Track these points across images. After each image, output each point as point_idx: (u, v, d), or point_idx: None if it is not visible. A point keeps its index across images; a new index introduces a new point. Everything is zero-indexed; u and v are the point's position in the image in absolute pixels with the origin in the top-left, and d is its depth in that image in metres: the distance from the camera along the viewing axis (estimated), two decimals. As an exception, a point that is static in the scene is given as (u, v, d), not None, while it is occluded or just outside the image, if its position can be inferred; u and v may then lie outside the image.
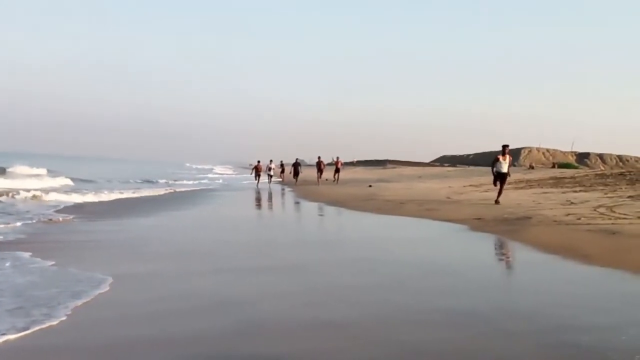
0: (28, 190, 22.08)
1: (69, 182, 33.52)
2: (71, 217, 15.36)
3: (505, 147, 19.15)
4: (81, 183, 34.19)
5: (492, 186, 20.11)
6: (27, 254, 9.12)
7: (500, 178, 19.22)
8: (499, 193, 18.99)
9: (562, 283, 7.77)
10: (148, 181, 41.30)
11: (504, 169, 19.16)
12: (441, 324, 5.69)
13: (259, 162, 39.72)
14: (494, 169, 19.52)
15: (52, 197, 21.38)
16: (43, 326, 5.38)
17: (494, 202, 18.43)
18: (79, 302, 6.22)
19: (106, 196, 24.00)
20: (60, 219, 14.92)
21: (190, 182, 42.82)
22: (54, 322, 5.52)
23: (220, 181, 49.06)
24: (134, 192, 27.16)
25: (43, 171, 46.17)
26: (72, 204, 19.77)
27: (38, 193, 21.60)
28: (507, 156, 19.23)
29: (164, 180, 42.51)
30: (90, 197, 22.67)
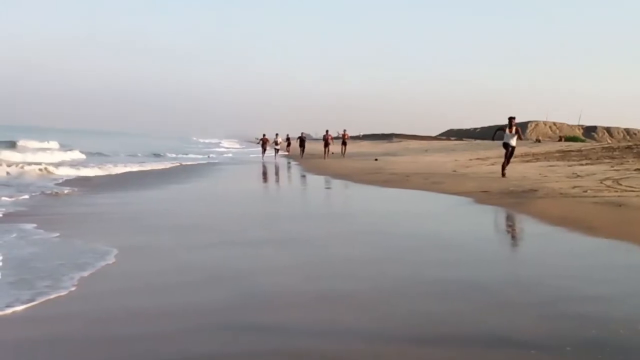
0: (39, 164, 22.20)
1: (81, 155, 33.74)
2: (77, 189, 15.42)
3: (511, 119, 18.86)
4: (93, 156, 34.37)
5: (499, 160, 20.13)
6: (31, 226, 9.17)
7: (505, 149, 18.95)
8: (504, 165, 18.69)
9: (566, 255, 7.77)
10: (156, 155, 41.40)
11: (511, 141, 18.78)
12: (444, 296, 5.71)
13: (264, 135, 39.67)
14: (496, 138, 19.87)
15: (63, 171, 21.47)
16: (51, 297, 5.42)
17: (500, 176, 18.23)
18: (85, 274, 6.25)
19: (115, 169, 24.10)
20: (66, 191, 14.97)
21: (199, 156, 42.92)
22: (63, 293, 5.56)
23: (231, 155, 49.12)
24: (141, 166, 27.24)
25: (55, 145, 46.32)
26: (80, 177, 19.89)
27: (48, 167, 21.70)
28: (515, 128, 18.88)
29: (172, 154, 42.57)
30: (98, 171, 22.73)
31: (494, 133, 20.26)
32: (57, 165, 23.24)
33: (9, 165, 20.78)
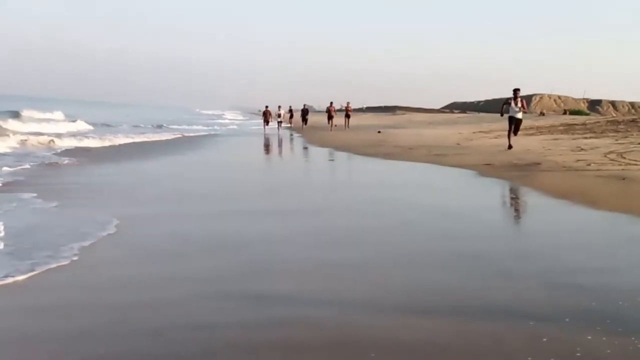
0: (43, 134, 22.20)
1: (87, 126, 33.74)
2: (77, 160, 15.43)
3: (516, 91, 18.37)
4: (98, 127, 34.37)
5: (503, 132, 19.87)
6: (31, 196, 9.20)
7: (512, 122, 18.36)
8: (509, 136, 18.21)
9: (569, 227, 7.76)
10: (159, 126, 41.27)
11: (516, 114, 18.30)
12: (447, 266, 5.72)
13: (267, 107, 39.01)
14: (503, 112, 18.96)
15: (67, 142, 21.42)
16: (51, 266, 5.43)
17: (506, 149, 17.82)
18: (86, 244, 6.26)
19: (118, 140, 24.08)
20: (66, 161, 14.97)
21: (204, 128, 42.92)
22: (64, 263, 5.57)
23: (235, 127, 49.08)
24: (145, 137, 27.20)
25: (60, 115, 46.18)
26: (81, 148, 19.87)
27: (52, 137, 21.67)
28: (520, 100, 18.34)
29: (175, 126, 42.44)
30: (101, 142, 22.71)
31: (501, 108, 19.44)
32: (61, 136, 23.23)
33: (14, 134, 20.80)
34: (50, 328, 4.12)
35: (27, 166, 13.41)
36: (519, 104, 18.32)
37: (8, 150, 17.26)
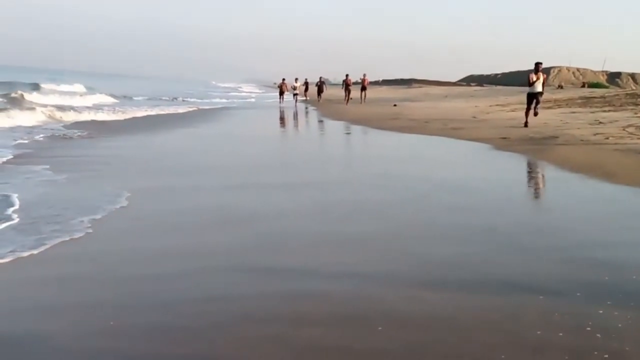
0: (63, 107, 22.31)
1: (109, 99, 33.96)
2: (87, 132, 15.48)
3: (538, 64, 17.43)
4: (120, 100, 34.52)
5: (520, 106, 19.53)
6: (42, 168, 9.26)
7: (532, 98, 17.38)
8: (527, 114, 17.20)
9: (585, 201, 7.71)
10: (176, 99, 41.32)
11: (537, 88, 17.36)
12: (460, 239, 5.70)
13: (283, 80, 38.92)
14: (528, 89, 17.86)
15: (86, 115, 21.45)
16: (65, 239, 5.45)
17: (522, 125, 16.94)
18: (98, 216, 6.28)
19: (134, 112, 24.23)
20: (79, 134, 15.05)
21: (224, 100, 43.13)
22: (77, 235, 5.59)
23: (253, 100, 49.22)
24: (161, 109, 27.31)
25: (81, 88, 46.39)
26: (96, 121, 19.92)
27: (67, 111, 21.73)
28: (540, 74, 17.42)
29: (193, 99, 42.47)
30: (115, 115, 22.78)
31: (528, 82, 17.87)
32: (84, 109, 23.41)
33: (40, 107, 20.85)
34: (64, 300, 4.17)
35: (40, 138, 13.51)
36: (541, 78, 17.40)
37: (37, 124, 17.25)
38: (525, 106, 17.64)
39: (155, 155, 12.16)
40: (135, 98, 38.48)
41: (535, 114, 17.19)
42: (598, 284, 4.33)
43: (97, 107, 26.34)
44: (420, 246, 5.50)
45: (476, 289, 4.28)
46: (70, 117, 20.56)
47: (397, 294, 4.19)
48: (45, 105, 22.66)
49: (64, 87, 45.20)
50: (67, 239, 5.48)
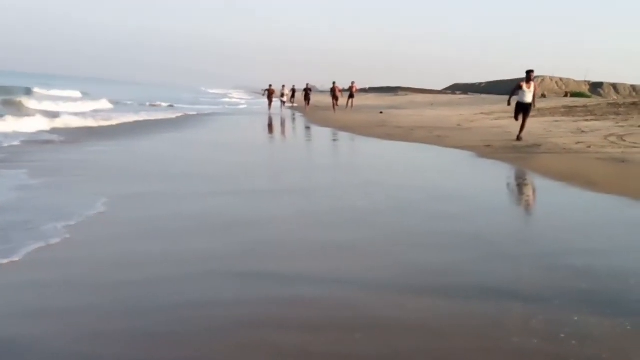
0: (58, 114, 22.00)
1: (109, 105, 34.02)
2: (63, 138, 15.32)
3: (530, 72, 15.94)
4: (119, 106, 34.49)
5: (503, 114, 19.53)
6: (20, 172, 9.18)
7: (522, 109, 16.12)
8: (522, 127, 15.87)
9: (566, 209, 7.81)
10: (172, 106, 41.09)
11: (527, 98, 16.02)
12: (444, 246, 5.76)
13: (270, 86, 38.44)
14: (513, 97, 16.60)
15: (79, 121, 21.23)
16: (42, 245, 5.37)
17: (514, 140, 15.58)
18: (72, 222, 6.17)
19: (132, 117, 24.31)
20: (57, 139, 14.95)
21: (215, 107, 43.32)
22: (53, 241, 5.51)
23: (245, 106, 49.40)
24: (150, 115, 27.21)
25: (77, 94, 46.12)
26: (83, 127, 19.76)
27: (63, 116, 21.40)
28: (532, 83, 16.10)
29: (184, 105, 42.09)
30: (117, 119, 22.80)
31: (511, 93, 16.84)
32: (85, 114, 23.20)
33: (40, 114, 20.51)
34: (48, 305, 4.15)
35: (17, 143, 13.43)
36: (532, 88, 16.08)
37: (32, 130, 16.79)
38: (513, 115, 16.67)
39: (140, 160, 12.11)
40: (128, 102, 38.47)
41: (522, 128, 15.90)
42: (577, 291, 4.39)
43: (95, 112, 26.22)
44: (405, 253, 5.54)
45: (458, 295, 4.33)
46: (67, 122, 20.05)
47: (381, 300, 4.24)
48: (45, 111, 22.30)
49: (61, 92, 44.97)
50: (44, 244, 5.37)
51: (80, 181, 8.92)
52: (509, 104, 17.01)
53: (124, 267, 4.99)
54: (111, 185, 8.59)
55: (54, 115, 21.45)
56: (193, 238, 5.95)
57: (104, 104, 34.24)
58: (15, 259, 4.98)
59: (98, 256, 5.28)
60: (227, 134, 21.13)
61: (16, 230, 5.80)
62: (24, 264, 4.92)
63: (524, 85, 16.03)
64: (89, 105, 32.31)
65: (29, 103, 27.99)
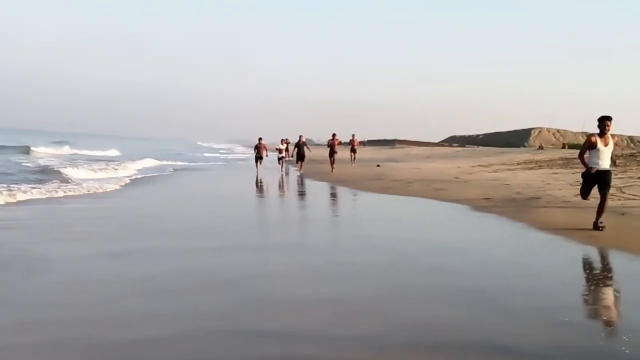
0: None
1: (155, 162, 35.31)
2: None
3: (605, 120, 9.95)
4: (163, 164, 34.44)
5: (501, 167, 19.41)
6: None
7: (596, 180, 10.21)
8: (600, 209, 10.02)
9: (565, 263, 7.71)
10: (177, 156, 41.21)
11: (604, 162, 10.13)
12: (443, 301, 5.67)
13: (260, 140, 30.28)
14: (587, 162, 10.30)
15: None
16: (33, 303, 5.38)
17: (592, 228, 9.87)
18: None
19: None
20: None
21: (218, 163, 43.56)
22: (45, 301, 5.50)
23: (243, 162, 49.63)
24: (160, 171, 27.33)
25: (115, 152, 46.98)
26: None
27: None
28: (609, 137, 10.07)
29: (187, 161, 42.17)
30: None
31: (581, 153, 10.46)
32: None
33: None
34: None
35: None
36: (610, 145, 10.12)
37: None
38: (580, 192, 10.93)
39: (138, 216, 12.06)
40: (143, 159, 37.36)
41: (600, 209, 10.01)
42: (577, 348, 4.32)
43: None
44: (406, 307, 5.46)
45: (456, 351, 4.25)
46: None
47: (385, 356, 4.15)
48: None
49: (95, 152, 46.15)
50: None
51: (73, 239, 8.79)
52: (586, 166, 10.36)
53: (112, 326, 4.87)
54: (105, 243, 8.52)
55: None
56: (189, 295, 5.84)
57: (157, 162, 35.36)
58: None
59: (88, 316, 5.17)
60: (224, 190, 21.10)
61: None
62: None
63: (599, 142, 10.07)
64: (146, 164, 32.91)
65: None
